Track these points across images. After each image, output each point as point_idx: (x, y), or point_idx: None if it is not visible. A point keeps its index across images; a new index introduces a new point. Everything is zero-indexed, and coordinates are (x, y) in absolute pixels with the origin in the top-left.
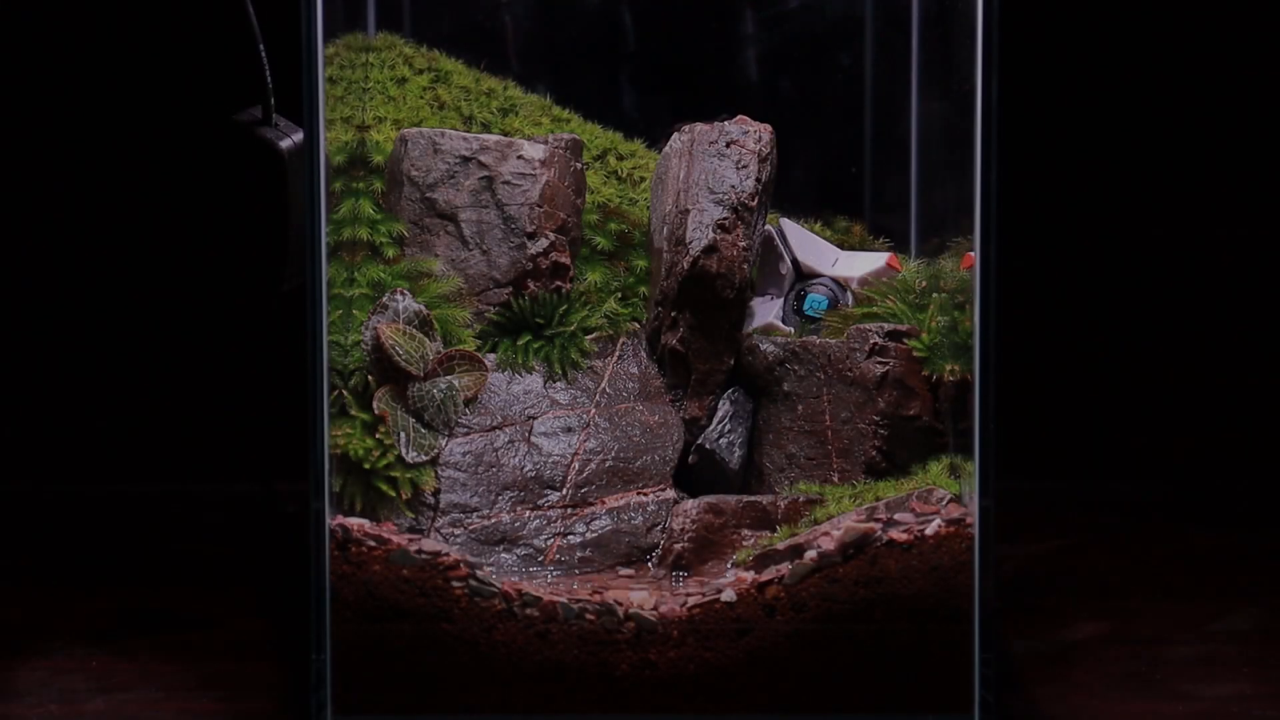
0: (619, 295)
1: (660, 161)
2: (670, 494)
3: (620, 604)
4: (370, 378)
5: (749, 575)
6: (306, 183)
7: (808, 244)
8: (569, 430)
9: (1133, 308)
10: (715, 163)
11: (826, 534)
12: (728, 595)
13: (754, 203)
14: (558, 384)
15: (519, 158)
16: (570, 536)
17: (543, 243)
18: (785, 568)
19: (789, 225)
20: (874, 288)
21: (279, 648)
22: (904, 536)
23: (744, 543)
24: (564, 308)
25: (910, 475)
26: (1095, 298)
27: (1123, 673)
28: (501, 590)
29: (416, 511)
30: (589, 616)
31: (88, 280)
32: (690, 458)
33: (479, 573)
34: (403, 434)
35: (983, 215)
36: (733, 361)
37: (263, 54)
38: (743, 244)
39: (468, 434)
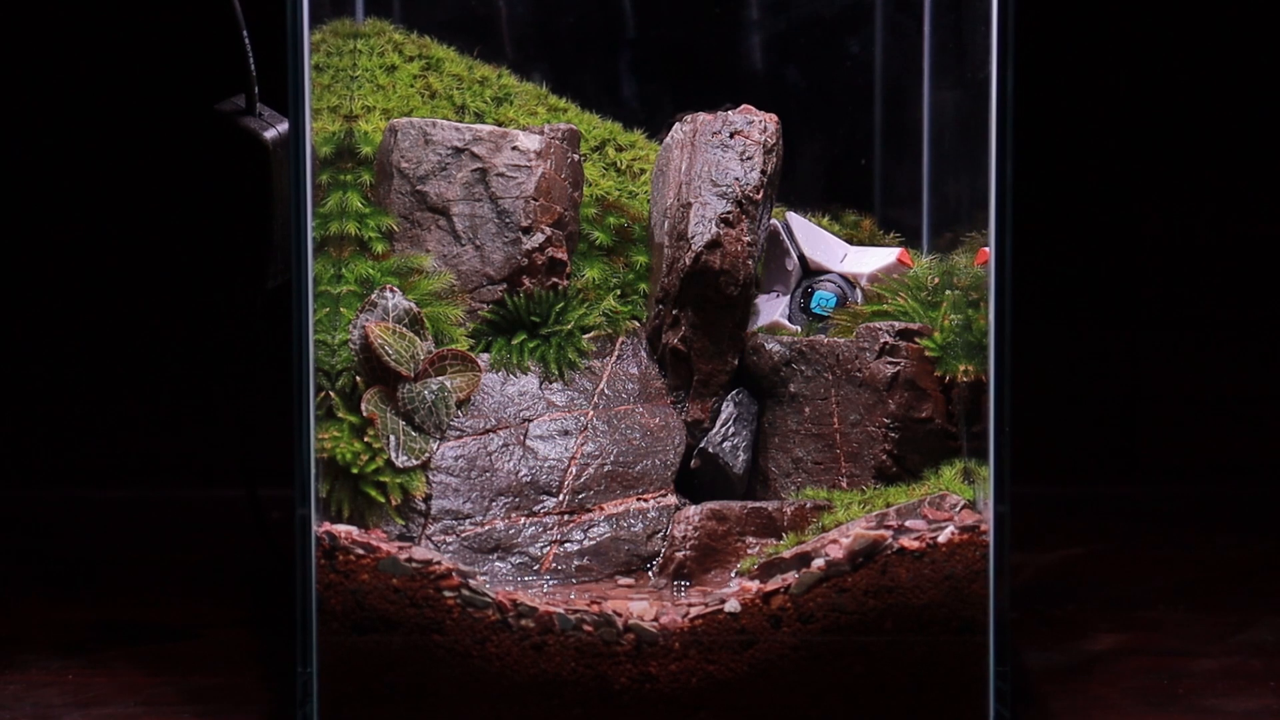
0: (618, 292)
1: (661, 153)
2: (671, 500)
3: (619, 615)
4: (358, 378)
5: (753, 585)
6: (292, 175)
7: (815, 239)
8: (566, 433)
9: (1153, 306)
10: (718, 154)
11: (835, 542)
12: (731, 605)
13: (759, 196)
14: (554, 385)
15: (514, 149)
16: (567, 544)
17: (538, 238)
18: (791, 577)
19: (795, 219)
20: (884, 285)
21: (264, 660)
22: (915, 544)
23: (748, 551)
24: (561, 305)
25: (922, 480)
26: (1114, 295)
27: (1143, 686)
28: (495, 600)
29: (407, 518)
30: (587, 628)
31: (64, 276)
32: (692, 462)
33: (472, 582)
34: (392, 437)
35: (998, 209)
36: (737, 362)
37: (246, 40)
38: (747, 239)
39: (460, 437)
